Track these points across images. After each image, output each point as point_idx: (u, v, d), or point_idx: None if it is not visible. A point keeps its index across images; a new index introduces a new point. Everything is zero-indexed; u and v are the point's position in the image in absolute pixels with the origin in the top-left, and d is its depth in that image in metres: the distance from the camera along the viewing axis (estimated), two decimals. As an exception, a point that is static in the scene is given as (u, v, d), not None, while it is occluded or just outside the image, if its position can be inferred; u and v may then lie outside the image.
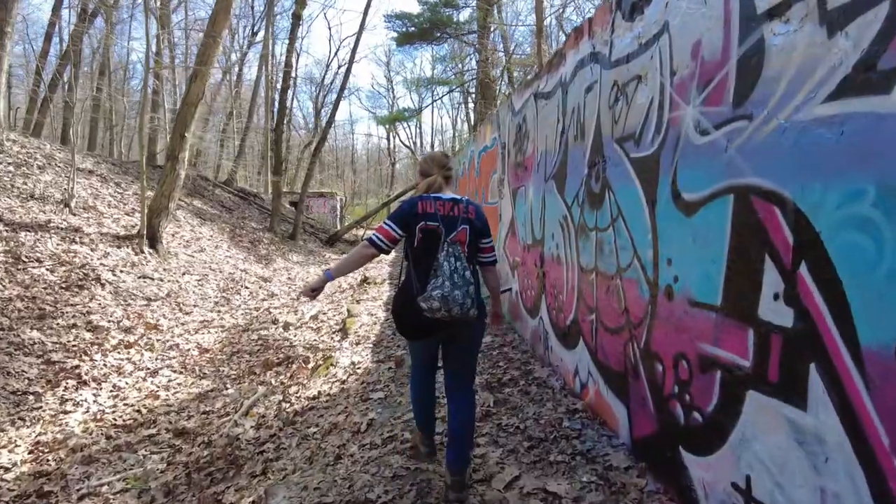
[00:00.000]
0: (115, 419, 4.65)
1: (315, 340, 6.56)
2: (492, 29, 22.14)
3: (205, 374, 5.87)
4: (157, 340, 6.62)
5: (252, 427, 4.14)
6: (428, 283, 2.24)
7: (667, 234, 2.35)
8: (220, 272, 10.34)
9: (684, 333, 2.22)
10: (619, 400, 2.86)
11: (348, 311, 7.13)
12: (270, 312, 8.74)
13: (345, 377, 4.59)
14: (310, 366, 5.34)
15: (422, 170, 2.56)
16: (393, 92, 40.32)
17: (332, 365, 4.94)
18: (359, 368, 4.70)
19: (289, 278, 11.88)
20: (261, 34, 26.18)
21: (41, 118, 18.53)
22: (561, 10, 18.79)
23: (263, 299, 9.62)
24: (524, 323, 4.84)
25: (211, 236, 12.57)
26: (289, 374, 5.32)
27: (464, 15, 23.57)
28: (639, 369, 2.62)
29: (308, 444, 3.52)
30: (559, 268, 3.81)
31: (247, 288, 9.99)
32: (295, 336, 7.11)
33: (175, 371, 5.86)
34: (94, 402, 4.93)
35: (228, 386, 5.45)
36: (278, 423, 4.07)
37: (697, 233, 2.12)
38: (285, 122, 16.77)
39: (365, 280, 10.11)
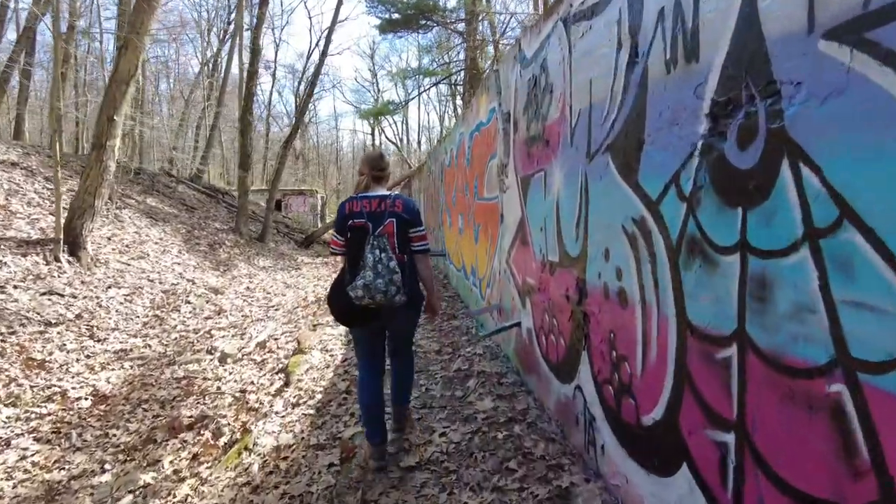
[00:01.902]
0: None
1: (252, 384, 4.77)
2: (479, 18, 20.45)
3: (84, 442, 4.05)
4: (34, 387, 4.77)
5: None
6: (356, 275, 2.38)
7: None
8: (160, 283, 8.47)
9: None
10: None
11: (298, 342, 5.34)
12: (211, 336, 6.92)
13: (260, 477, 2.81)
14: (221, 441, 3.54)
15: (360, 169, 2.69)
16: (378, 86, 38.37)
17: (246, 448, 3.15)
18: (284, 459, 2.91)
19: (248, 288, 10.03)
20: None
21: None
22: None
23: (208, 317, 7.78)
24: (544, 382, 3.10)
25: (160, 239, 10.69)
26: (191, 454, 3.53)
27: (451, 1, 21.84)
28: None
29: None
30: (625, 314, 2.05)
31: (190, 303, 8.13)
32: (230, 374, 5.31)
33: (40, 439, 4.03)
34: None
35: (107, 467, 3.64)
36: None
37: None
38: (265, 114, 14.90)
39: (333, 292, 8.31)
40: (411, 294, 2.50)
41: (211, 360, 5.97)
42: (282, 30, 43.19)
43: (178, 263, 9.87)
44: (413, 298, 2.54)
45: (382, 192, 2.56)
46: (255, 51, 13.83)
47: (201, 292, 8.75)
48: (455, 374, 3.81)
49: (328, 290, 2.61)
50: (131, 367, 5.69)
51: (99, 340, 6.14)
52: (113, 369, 5.56)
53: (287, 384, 4.26)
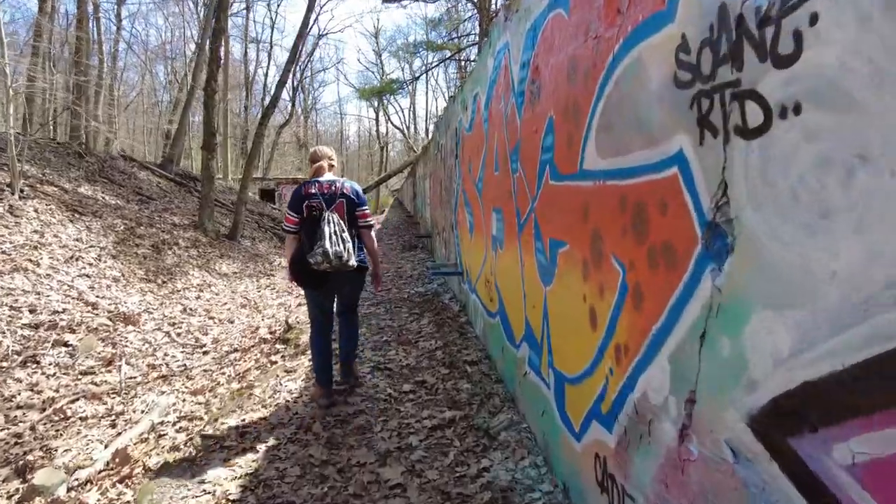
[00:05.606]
0: None
1: None
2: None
3: None
4: None
5: None
6: (314, 245, 2.87)
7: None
8: (31, 312, 5.43)
9: None
10: None
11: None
12: (66, 417, 3.92)
13: None
14: None
15: (312, 157, 3.22)
16: (382, 66, 34.98)
17: None
18: None
19: (185, 310, 6.98)
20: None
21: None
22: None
23: (86, 372, 4.73)
24: None
25: (76, 241, 7.66)
26: None
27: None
28: None
29: None
30: None
31: (67, 345, 5.09)
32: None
33: None
34: None
35: None
36: None
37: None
38: (220, 79, 11.85)
39: (289, 330, 5.24)
40: (359, 261, 3.02)
41: (17, 492, 2.95)
42: (278, 5, 39.50)
43: (87, 276, 6.84)
44: (360, 266, 3.05)
45: (331, 177, 3.13)
46: (222, 5, 10.70)
47: (99, 324, 5.69)
48: None
49: (289, 261, 3.07)
50: None
51: None
52: None
53: None
